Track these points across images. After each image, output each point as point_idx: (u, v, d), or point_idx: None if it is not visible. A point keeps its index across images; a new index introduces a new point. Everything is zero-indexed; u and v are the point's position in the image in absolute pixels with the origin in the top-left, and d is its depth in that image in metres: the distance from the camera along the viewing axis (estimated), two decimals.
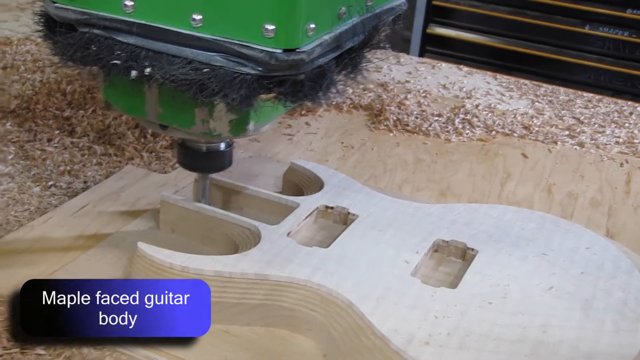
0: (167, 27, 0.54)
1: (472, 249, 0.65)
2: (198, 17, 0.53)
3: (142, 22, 0.55)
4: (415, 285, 0.59)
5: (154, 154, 0.85)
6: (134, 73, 0.55)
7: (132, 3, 0.55)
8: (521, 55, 2.07)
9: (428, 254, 0.65)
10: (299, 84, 0.55)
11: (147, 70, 0.55)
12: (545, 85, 1.20)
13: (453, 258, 0.66)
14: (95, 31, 0.56)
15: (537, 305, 0.58)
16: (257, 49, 0.53)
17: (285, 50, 0.53)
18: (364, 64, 0.61)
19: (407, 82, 1.16)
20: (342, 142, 0.93)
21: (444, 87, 1.15)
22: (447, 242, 0.66)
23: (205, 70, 0.54)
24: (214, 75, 0.53)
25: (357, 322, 0.55)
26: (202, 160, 0.67)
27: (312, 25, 0.54)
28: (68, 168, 0.81)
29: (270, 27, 0.52)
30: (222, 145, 0.66)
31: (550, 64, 2.04)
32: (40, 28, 0.60)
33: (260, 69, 0.53)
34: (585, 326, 0.56)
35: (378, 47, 0.60)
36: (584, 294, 0.60)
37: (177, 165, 0.83)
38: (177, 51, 0.54)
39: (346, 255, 0.62)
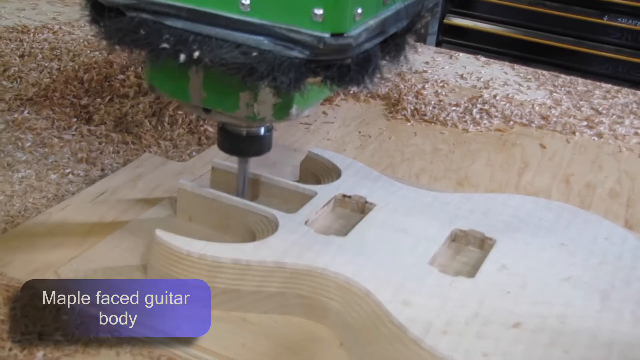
0: (216, 12, 0.55)
1: (490, 239, 0.65)
2: (247, 1, 0.54)
3: (191, 6, 0.55)
4: (433, 274, 0.59)
5: (171, 141, 0.85)
6: (182, 57, 0.55)
7: None
8: (539, 46, 2.05)
9: (446, 243, 0.64)
10: (345, 68, 0.55)
11: (196, 54, 0.55)
12: (563, 75, 1.19)
13: (471, 247, 0.65)
14: (144, 15, 0.56)
15: (556, 294, 0.58)
16: (306, 33, 0.53)
17: (333, 35, 0.53)
18: (407, 50, 0.61)
19: (425, 71, 1.15)
20: (360, 132, 0.93)
21: (462, 77, 1.14)
22: (465, 231, 0.66)
23: (254, 54, 0.54)
24: (263, 59, 0.54)
25: (375, 310, 0.55)
26: (242, 144, 0.67)
27: (359, 10, 0.54)
28: (85, 156, 0.81)
29: (319, 11, 0.52)
30: (262, 130, 0.66)
31: (568, 55, 2.03)
32: (88, 12, 0.60)
33: (308, 52, 0.53)
34: (604, 316, 0.56)
35: (420, 33, 0.60)
36: (602, 284, 0.59)
37: (194, 153, 0.83)
38: (226, 35, 0.55)
39: (364, 243, 0.62)
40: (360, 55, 0.56)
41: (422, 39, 1.92)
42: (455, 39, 2.17)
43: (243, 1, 0.54)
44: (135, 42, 0.57)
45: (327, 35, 0.53)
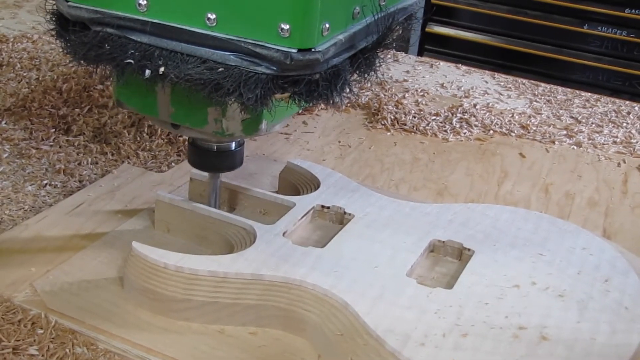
0: (182, 26, 0.54)
1: (469, 249, 0.65)
2: (212, 16, 0.53)
3: (156, 21, 0.55)
4: (411, 285, 0.59)
5: (150, 152, 0.85)
6: (147, 72, 0.55)
7: (145, 2, 0.55)
8: (520, 55, 2.07)
9: (424, 254, 0.64)
10: (313, 84, 0.54)
11: (161, 69, 0.54)
12: (543, 84, 1.20)
13: (449, 258, 0.66)
14: (109, 30, 0.56)
15: (534, 305, 0.58)
16: (273, 48, 0.52)
17: (300, 50, 0.53)
18: (378, 64, 0.61)
19: (405, 80, 1.15)
20: (339, 141, 0.93)
21: (442, 86, 1.15)
22: (444, 242, 0.66)
23: (220, 69, 0.53)
24: (229, 75, 0.53)
25: (353, 322, 0.55)
26: (213, 159, 0.66)
27: (327, 25, 0.54)
28: (63, 167, 0.80)
29: (286, 26, 0.52)
30: (233, 145, 0.66)
31: (548, 63, 2.04)
32: (53, 26, 0.59)
33: (275, 68, 0.53)
34: (582, 327, 0.56)
35: (391, 47, 0.60)
36: (580, 295, 0.60)
37: (173, 164, 0.83)
38: (192, 50, 0.54)
39: (342, 255, 0.62)
40: (328, 71, 0.55)
41: (404, 49, 1.92)
42: (436, 47, 2.18)
43: (209, 15, 0.53)
44: (99, 56, 0.56)
45: (294, 50, 0.52)
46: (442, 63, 1.26)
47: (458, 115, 1.02)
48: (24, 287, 0.61)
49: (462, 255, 0.65)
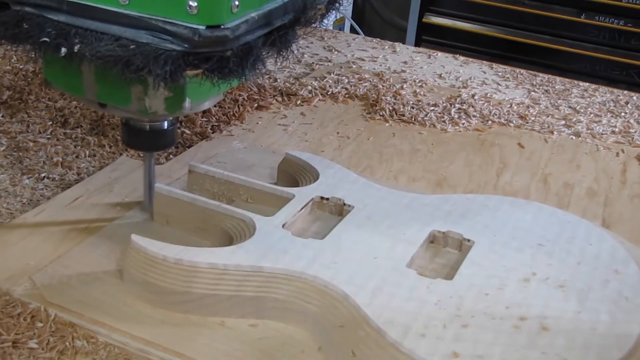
0: (96, 5, 0.55)
1: (469, 240, 0.65)
2: None
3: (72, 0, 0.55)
4: (411, 276, 0.59)
5: None
6: (63, 50, 0.55)
7: None
8: (518, 45, 2.07)
9: (424, 245, 0.64)
10: (225, 60, 0.55)
11: (77, 47, 0.55)
12: (541, 74, 1.20)
13: (449, 249, 0.65)
14: (27, 9, 0.56)
15: (534, 296, 0.58)
16: (181, 25, 0.53)
17: (208, 27, 0.53)
18: (294, 42, 0.62)
19: (403, 71, 1.15)
20: (338, 133, 0.93)
21: (440, 76, 1.14)
22: (443, 233, 0.65)
23: (132, 47, 0.54)
24: (140, 52, 0.54)
25: (353, 313, 0.55)
26: (146, 138, 0.67)
27: (237, 2, 0.55)
28: (61, 159, 0.80)
29: (194, 3, 0.53)
30: (166, 124, 0.67)
31: (546, 53, 2.04)
32: None
33: (185, 45, 0.53)
34: (582, 317, 0.56)
35: (311, 25, 0.61)
36: (580, 285, 0.60)
37: (171, 156, 0.83)
38: (106, 28, 0.55)
39: (342, 246, 0.62)
40: (240, 47, 0.56)
41: (401, 39, 1.92)
42: (434, 38, 2.17)
43: None
44: (17, 35, 0.57)
45: (202, 27, 0.53)
46: (439, 54, 1.26)
47: (456, 105, 1.02)
48: (22, 281, 0.61)
49: (462, 246, 0.65)
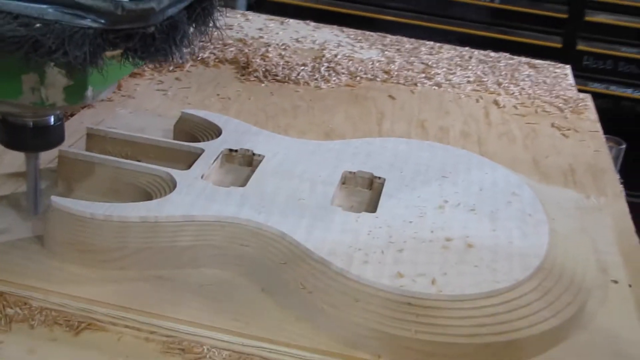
0: None
1: (379, 178, 0.68)
2: None
3: None
4: (338, 213, 0.61)
5: None
6: None
7: None
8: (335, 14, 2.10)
9: (339, 185, 0.67)
10: (149, 38, 0.50)
11: None
12: (390, 35, 1.26)
13: (360, 188, 0.68)
14: None
15: (452, 220, 0.62)
16: None
17: None
18: (216, 15, 0.58)
19: (261, 37, 1.16)
20: (218, 95, 0.93)
21: (297, 40, 1.17)
22: (354, 173, 0.68)
23: (37, 25, 0.46)
24: (49, 31, 0.46)
25: (293, 250, 0.56)
26: (29, 137, 0.59)
27: None
28: None
29: None
30: (52, 119, 0.59)
31: (369, 23, 2.11)
32: None
33: (104, 21, 0.47)
34: (498, 234, 0.61)
35: None
36: (488, 208, 0.64)
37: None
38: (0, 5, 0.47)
39: (265, 191, 0.63)
40: (164, 23, 0.51)
41: (231, 5, 1.91)
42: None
43: None
44: None
45: None
46: (291, 20, 1.28)
47: (324, 64, 1.05)
48: None
49: (372, 184, 0.68)
